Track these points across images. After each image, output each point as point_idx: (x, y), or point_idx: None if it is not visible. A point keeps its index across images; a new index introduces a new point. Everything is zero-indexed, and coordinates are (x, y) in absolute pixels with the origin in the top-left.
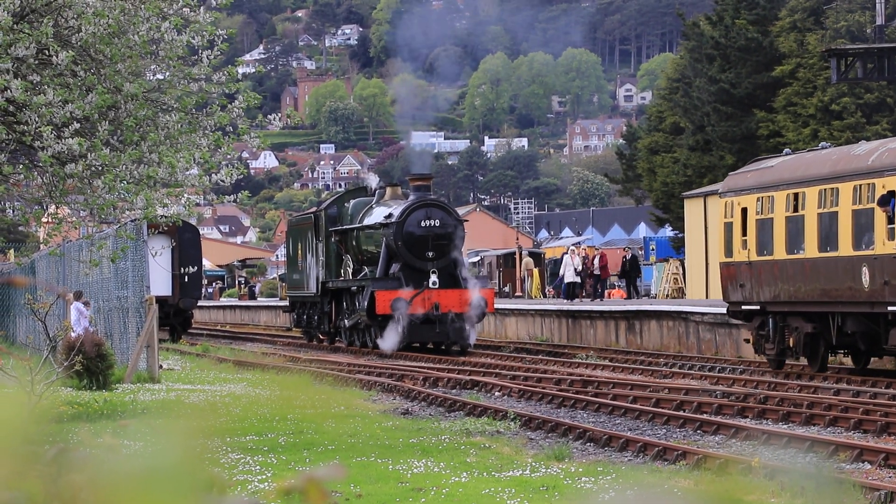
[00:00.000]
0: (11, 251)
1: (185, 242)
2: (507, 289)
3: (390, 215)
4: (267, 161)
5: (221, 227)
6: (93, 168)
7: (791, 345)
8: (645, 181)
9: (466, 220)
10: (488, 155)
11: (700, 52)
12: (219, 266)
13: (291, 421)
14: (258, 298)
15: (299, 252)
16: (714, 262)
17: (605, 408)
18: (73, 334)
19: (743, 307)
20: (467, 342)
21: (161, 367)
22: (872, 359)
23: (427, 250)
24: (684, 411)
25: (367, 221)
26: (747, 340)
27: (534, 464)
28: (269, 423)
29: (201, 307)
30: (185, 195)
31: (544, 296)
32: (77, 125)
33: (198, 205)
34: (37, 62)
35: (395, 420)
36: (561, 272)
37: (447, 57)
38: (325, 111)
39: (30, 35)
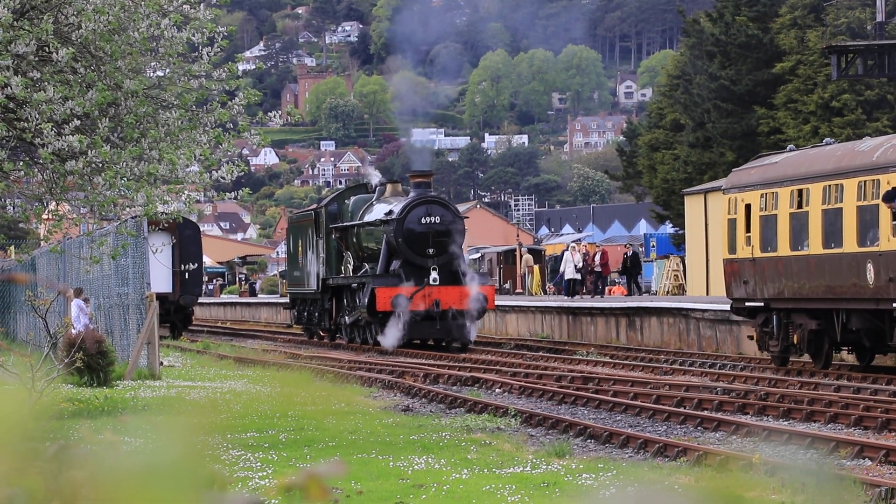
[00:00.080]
0: (12, 248)
1: (186, 239)
2: (507, 285)
3: (391, 212)
4: (267, 158)
5: (222, 224)
6: (93, 165)
7: (795, 342)
8: (645, 178)
9: (467, 217)
10: (489, 152)
11: (700, 49)
12: (219, 263)
13: (292, 418)
14: (259, 295)
15: (300, 249)
16: (714, 259)
17: (606, 404)
18: (73, 331)
19: (747, 304)
20: (468, 339)
21: (162, 363)
22: (877, 355)
23: (427, 247)
24: (685, 408)
25: (368, 218)
26: (751, 337)
27: (534, 460)
28: (269, 420)
29: (202, 304)
30: (186, 192)
31: (545, 292)
32: (77, 122)
33: (198, 202)
34: (37, 59)
35: (395, 417)
36: (561, 269)
37: (447, 53)
38: (325, 108)
39: (30, 32)
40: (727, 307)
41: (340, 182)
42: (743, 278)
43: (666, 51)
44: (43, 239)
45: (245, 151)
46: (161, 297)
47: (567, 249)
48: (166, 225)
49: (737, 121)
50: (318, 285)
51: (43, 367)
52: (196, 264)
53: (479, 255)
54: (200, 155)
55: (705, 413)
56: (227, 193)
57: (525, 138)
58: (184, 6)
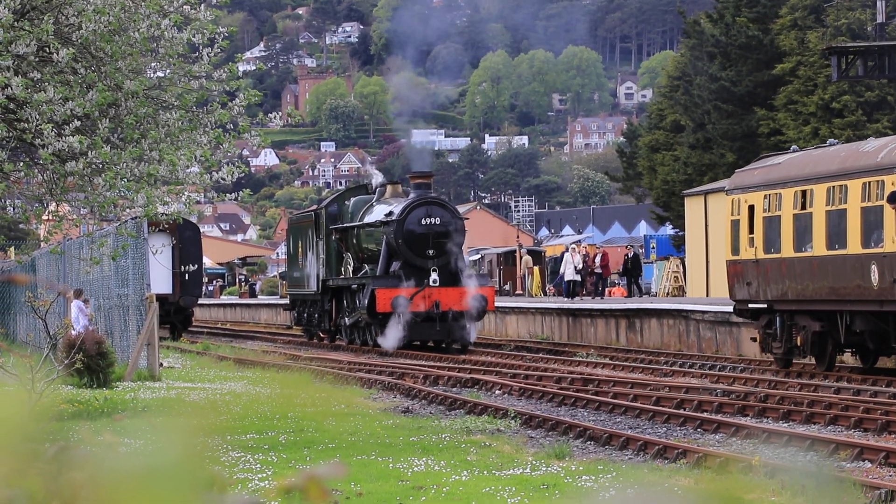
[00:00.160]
0: (12, 249)
1: (186, 240)
2: (507, 287)
3: (391, 213)
4: (267, 159)
5: (222, 225)
6: (93, 166)
7: (799, 343)
8: (645, 179)
9: (467, 218)
10: (489, 153)
11: (701, 50)
12: (219, 264)
13: (292, 419)
14: (258, 296)
15: (300, 250)
16: (714, 261)
17: (606, 406)
18: (73, 332)
19: (750, 305)
20: (468, 340)
21: (161, 365)
22: (880, 357)
23: (427, 248)
24: (685, 410)
25: (368, 219)
26: (754, 339)
27: (534, 462)
28: (269, 422)
29: (202, 305)
30: (186, 193)
31: (545, 294)
32: (77, 123)
33: (198, 203)
34: (37, 59)
35: (395, 418)
36: (561, 270)
37: (448, 54)
38: (325, 109)
39: (30, 32)
40: (727, 309)
41: (340, 183)
42: (746, 280)
43: (666, 52)
44: (43, 240)
45: (245, 152)
46: (161, 299)
47: (567, 251)
48: (166, 226)
49: (737, 122)
50: (318, 286)
51: (43, 368)
52: (196, 265)
53: (479, 256)
54: (201, 156)
55: (705, 415)
56: (228, 194)
57: (525, 139)
58: (184, 7)
